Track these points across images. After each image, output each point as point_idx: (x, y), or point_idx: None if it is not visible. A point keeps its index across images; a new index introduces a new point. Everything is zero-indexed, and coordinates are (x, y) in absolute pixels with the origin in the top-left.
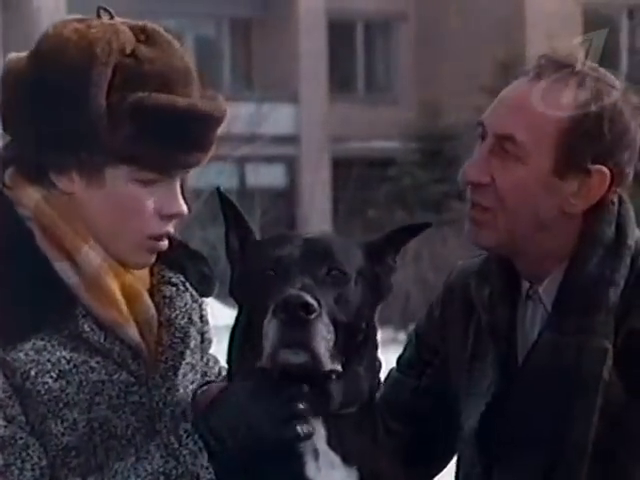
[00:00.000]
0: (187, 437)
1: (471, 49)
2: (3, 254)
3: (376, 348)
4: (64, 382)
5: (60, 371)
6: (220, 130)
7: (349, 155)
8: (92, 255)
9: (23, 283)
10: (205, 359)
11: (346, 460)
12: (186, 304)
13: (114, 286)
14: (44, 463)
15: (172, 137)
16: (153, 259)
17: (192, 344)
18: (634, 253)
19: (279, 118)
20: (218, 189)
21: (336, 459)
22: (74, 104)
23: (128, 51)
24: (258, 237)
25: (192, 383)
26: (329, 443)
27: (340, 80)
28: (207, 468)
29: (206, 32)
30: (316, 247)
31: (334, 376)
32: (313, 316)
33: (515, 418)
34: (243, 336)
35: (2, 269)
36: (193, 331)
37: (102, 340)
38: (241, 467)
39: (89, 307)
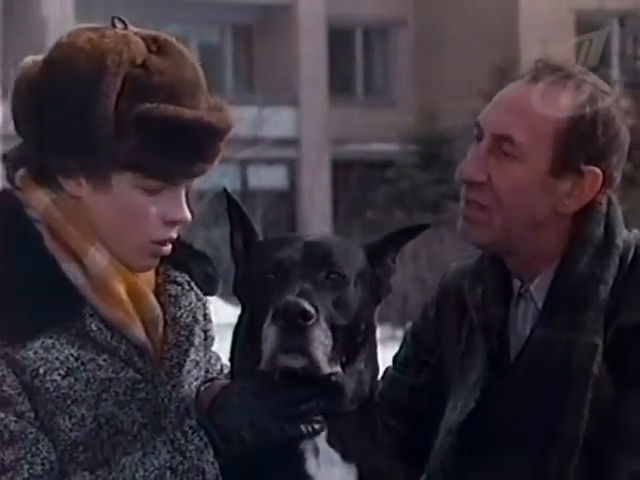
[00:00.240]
0: (193, 433)
1: (468, 54)
2: (13, 255)
3: (375, 347)
4: (72, 379)
5: (68, 369)
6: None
7: (348, 157)
8: (99, 257)
9: (32, 283)
10: (208, 356)
11: (346, 457)
12: (191, 303)
13: (120, 287)
14: (53, 457)
15: (177, 148)
16: (156, 263)
17: (196, 342)
18: (622, 252)
19: (280, 121)
20: (225, 190)
21: (336, 456)
22: (82, 112)
23: (139, 62)
24: (260, 237)
25: (196, 379)
26: (329, 441)
27: (340, 84)
28: (213, 463)
29: (209, 38)
30: (316, 250)
31: (333, 378)
32: (310, 322)
33: (506, 413)
34: (245, 335)
35: (11, 269)
36: (197, 329)
37: (109, 338)
38: (243, 464)
39: (96, 307)
